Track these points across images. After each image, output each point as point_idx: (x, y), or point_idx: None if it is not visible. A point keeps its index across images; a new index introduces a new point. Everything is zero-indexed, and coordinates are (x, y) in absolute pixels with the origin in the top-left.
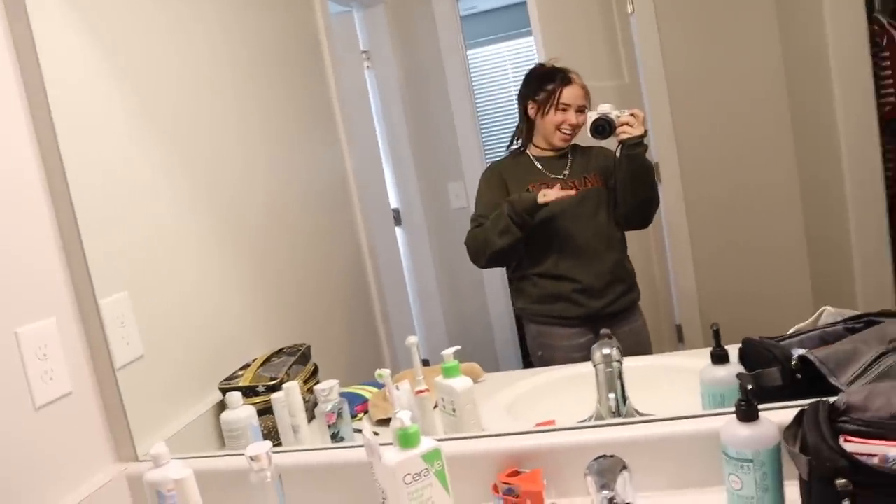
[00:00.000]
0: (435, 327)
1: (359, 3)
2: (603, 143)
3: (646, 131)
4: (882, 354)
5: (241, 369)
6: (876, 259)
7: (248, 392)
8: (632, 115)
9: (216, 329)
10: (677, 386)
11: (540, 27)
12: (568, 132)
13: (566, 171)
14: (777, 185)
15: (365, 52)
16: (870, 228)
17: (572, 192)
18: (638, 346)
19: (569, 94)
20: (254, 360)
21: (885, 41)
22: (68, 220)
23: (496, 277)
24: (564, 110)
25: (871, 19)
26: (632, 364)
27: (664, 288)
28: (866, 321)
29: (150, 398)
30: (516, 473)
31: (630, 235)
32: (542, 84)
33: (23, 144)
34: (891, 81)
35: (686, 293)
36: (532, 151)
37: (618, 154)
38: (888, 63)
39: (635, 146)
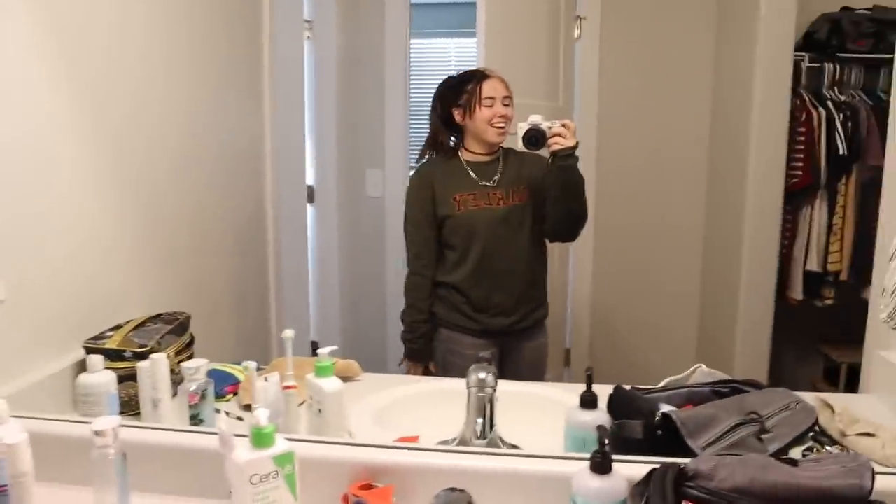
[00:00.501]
0: (330, 313)
1: None
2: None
3: (577, 143)
4: (738, 425)
5: (112, 330)
6: (759, 323)
7: (115, 356)
8: (563, 125)
9: (92, 282)
10: (553, 420)
11: (485, 31)
12: (501, 124)
13: (496, 177)
14: (684, 228)
15: (308, 21)
16: (759, 291)
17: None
18: (538, 362)
19: (490, 88)
20: (127, 322)
21: (803, 116)
22: None
23: (399, 279)
24: (490, 105)
25: (795, 93)
26: (514, 389)
27: (561, 309)
28: (732, 387)
29: (5, 347)
30: (369, 487)
31: None
32: (461, 88)
33: None
34: (801, 156)
35: (580, 318)
36: (464, 156)
37: (550, 165)
38: (803, 138)
39: (567, 157)
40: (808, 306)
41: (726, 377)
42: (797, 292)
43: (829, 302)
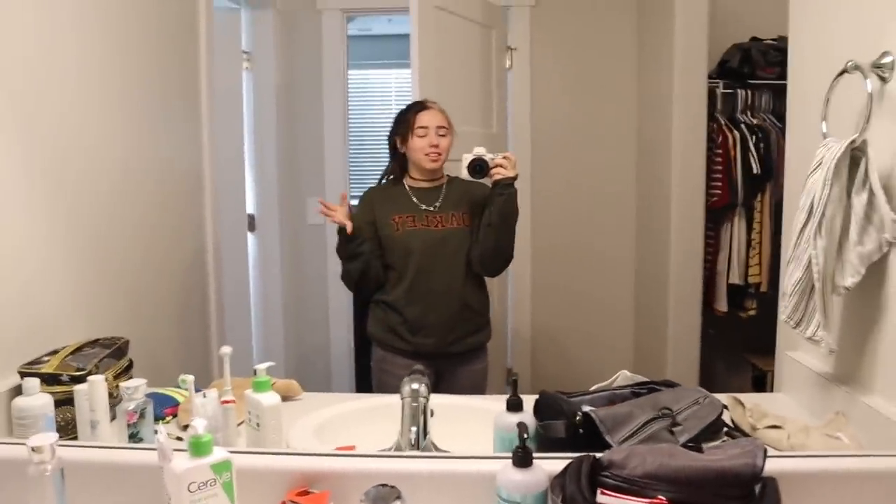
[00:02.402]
0: (273, 341)
1: (247, 2)
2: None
3: (517, 175)
4: (651, 419)
5: (49, 355)
6: (688, 334)
7: (51, 380)
8: (504, 157)
9: (29, 307)
10: (486, 429)
11: (419, 62)
12: (434, 153)
13: (437, 204)
14: (615, 248)
15: (246, 52)
16: (686, 304)
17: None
18: (475, 387)
19: (425, 118)
20: (64, 347)
21: (720, 139)
22: None
23: (342, 301)
24: (423, 135)
25: (712, 117)
26: (449, 402)
27: (501, 330)
28: (649, 388)
29: None
30: (306, 493)
31: None
32: (401, 118)
33: None
34: (720, 176)
35: (521, 338)
36: (408, 182)
37: (490, 193)
38: (720, 159)
39: (507, 187)
40: (734, 317)
41: (645, 379)
42: (722, 304)
43: (751, 313)
